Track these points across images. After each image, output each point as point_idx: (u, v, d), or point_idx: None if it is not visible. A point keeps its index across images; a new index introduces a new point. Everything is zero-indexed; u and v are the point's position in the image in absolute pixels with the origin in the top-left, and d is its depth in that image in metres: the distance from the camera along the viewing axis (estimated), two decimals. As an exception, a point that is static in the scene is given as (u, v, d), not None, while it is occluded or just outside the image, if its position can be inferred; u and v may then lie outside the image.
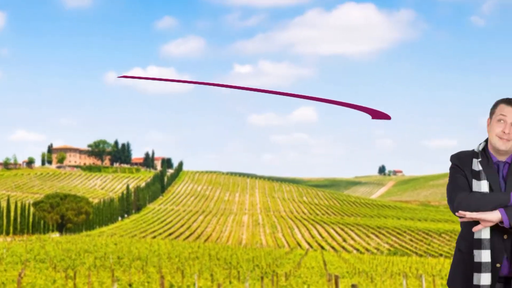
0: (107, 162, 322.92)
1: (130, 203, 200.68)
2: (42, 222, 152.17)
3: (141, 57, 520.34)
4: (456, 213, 4.95)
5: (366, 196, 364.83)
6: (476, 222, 4.94)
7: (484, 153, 5.11)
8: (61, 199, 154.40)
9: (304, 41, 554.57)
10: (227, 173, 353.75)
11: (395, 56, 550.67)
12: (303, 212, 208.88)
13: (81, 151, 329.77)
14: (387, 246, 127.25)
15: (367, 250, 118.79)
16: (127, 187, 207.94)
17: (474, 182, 4.99)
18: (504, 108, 5.03)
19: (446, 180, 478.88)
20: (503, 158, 5.06)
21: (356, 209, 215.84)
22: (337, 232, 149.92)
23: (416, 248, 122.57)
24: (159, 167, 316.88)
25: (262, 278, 29.11)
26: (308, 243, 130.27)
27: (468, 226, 5.02)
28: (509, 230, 4.90)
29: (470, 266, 5.00)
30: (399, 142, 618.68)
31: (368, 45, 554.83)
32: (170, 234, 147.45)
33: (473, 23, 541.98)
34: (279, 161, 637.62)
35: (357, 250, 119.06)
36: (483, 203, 4.88)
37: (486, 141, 5.17)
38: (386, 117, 5.10)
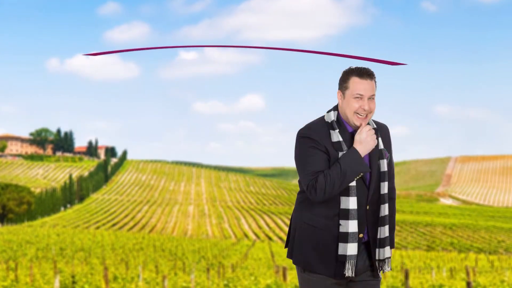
0: (49, 151, 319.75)
1: (73, 193, 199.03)
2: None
3: (85, 43, 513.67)
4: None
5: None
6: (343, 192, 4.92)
7: (338, 122, 5.00)
8: (2, 189, 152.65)
9: (251, 27, 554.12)
10: (172, 162, 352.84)
11: (344, 42, 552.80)
12: (250, 202, 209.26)
13: (22, 140, 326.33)
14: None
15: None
16: (70, 177, 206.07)
17: (338, 154, 4.89)
18: (357, 85, 4.90)
19: (397, 169, 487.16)
20: (357, 128, 4.96)
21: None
22: (285, 223, 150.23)
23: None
24: (102, 156, 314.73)
25: (208, 269, 29.04)
26: (255, 234, 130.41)
27: (329, 202, 4.96)
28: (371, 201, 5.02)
29: (324, 238, 4.96)
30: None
31: (317, 31, 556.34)
32: (114, 225, 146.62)
33: (424, 8, 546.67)
34: (226, 150, 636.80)
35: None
36: (335, 174, 4.80)
37: (335, 109, 5.06)
38: (402, 64, 5.20)
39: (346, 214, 4.92)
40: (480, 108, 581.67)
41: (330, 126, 4.95)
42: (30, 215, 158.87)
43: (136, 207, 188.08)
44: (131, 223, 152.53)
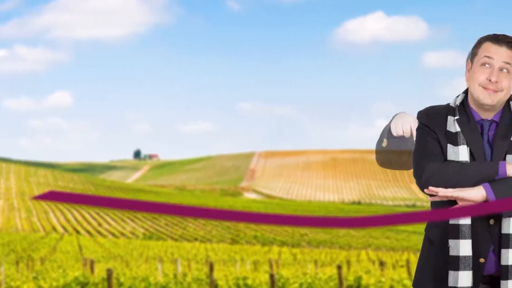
0: None
1: None
2: None
3: None
4: (426, 190, 3.58)
5: (122, 181, 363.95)
6: (453, 202, 3.55)
7: (463, 108, 3.68)
8: None
9: (60, 25, 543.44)
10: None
11: (150, 40, 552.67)
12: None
13: None
14: (142, 230, 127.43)
15: (123, 234, 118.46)
16: None
17: (450, 148, 3.60)
18: (490, 48, 3.60)
19: (202, 164, 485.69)
20: (489, 116, 3.64)
21: (112, 193, 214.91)
22: (92, 217, 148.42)
23: (171, 232, 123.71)
24: None
25: (17, 262, 28.52)
26: (64, 228, 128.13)
27: (442, 207, 3.60)
28: (496, 213, 3.57)
29: (443, 262, 3.65)
30: (154, 126, 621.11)
31: (123, 29, 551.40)
32: None
33: (229, 7, 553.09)
34: (36, 146, 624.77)
35: (113, 234, 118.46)
36: (462, 176, 3.53)
37: (466, 92, 3.73)
38: None
39: (456, 231, 3.59)
40: (283, 105, 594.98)
41: (451, 111, 3.67)
42: None
43: None
44: None
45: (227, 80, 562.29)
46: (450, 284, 3.57)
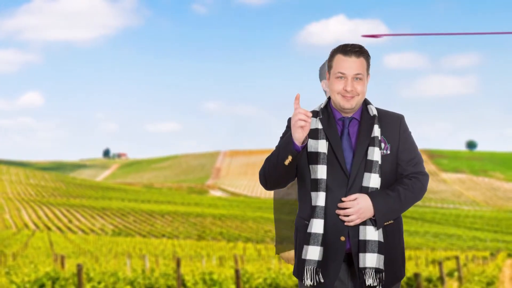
0: None
1: None
2: None
3: None
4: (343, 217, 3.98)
5: (91, 179, 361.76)
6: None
7: (326, 110, 4.13)
8: None
9: (31, 27, 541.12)
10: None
11: (118, 42, 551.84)
12: (30, 194, 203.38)
13: None
14: (111, 227, 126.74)
15: (92, 231, 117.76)
16: None
17: (311, 142, 4.02)
18: (341, 63, 4.03)
19: (169, 163, 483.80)
20: (349, 114, 4.11)
21: (82, 191, 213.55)
22: (63, 214, 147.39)
23: (139, 229, 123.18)
24: None
25: (-11, 259, 28.21)
26: (35, 224, 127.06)
27: (303, 195, 4.11)
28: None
29: (304, 240, 4.06)
30: (123, 125, 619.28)
31: (93, 32, 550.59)
32: None
33: (195, 10, 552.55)
34: (7, 145, 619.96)
35: (83, 231, 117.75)
36: (271, 157, 4.05)
37: (327, 102, 4.19)
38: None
39: (313, 212, 4.00)
40: (247, 104, 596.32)
41: (315, 113, 4.11)
42: None
43: None
44: None
45: (193, 80, 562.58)
46: (302, 256, 4.00)
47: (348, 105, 4.00)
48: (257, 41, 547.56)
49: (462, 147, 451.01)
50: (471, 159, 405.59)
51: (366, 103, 4.15)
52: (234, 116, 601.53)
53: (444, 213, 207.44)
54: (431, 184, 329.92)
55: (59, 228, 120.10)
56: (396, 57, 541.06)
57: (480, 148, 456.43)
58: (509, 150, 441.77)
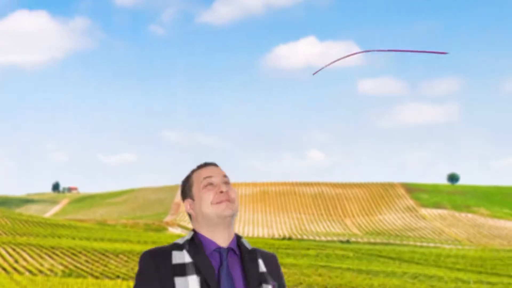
0: None
1: None
2: None
3: None
4: None
5: (40, 215, 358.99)
6: None
7: (194, 242, 3.70)
8: None
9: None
10: None
11: (69, 66, 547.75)
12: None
13: None
14: (61, 267, 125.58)
15: (41, 271, 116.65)
16: None
17: (178, 279, 3.55)
18: (203, 172, 3.87)
19: (124, 197, 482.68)
20: (225, 243, 3.73)
21: (29, 229, 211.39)
22: (8, 253, 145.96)
23: (92, 269, 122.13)
24: None
25: None
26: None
27: None
28: None
29: None
30: (73, 157, 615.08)
31: (41, 54, 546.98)
32: None
33: (152, 31, 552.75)
34: None
35: (30, 271, 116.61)
36: None
37: (194, 231, 3.79)
38: (442, 53, 4.62)
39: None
40: (210, 134, 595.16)
41: (177, 247, 3.67)
42: None
43: None
44: None
45: (150, 107, 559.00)
46: None
47: (229, 210, 3.70)
48: (221, 65, 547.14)
49: (443, 180, 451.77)
50: (453, 193, 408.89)
51: (238, 236, 3.83)
52: (196, 146, 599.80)
53: (423, 252, 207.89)
54: (410, 221, 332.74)
55: (4, 269, 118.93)
56: (371, 82, 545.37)
57: (463, 181, 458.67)
58: (494, 183, 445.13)
